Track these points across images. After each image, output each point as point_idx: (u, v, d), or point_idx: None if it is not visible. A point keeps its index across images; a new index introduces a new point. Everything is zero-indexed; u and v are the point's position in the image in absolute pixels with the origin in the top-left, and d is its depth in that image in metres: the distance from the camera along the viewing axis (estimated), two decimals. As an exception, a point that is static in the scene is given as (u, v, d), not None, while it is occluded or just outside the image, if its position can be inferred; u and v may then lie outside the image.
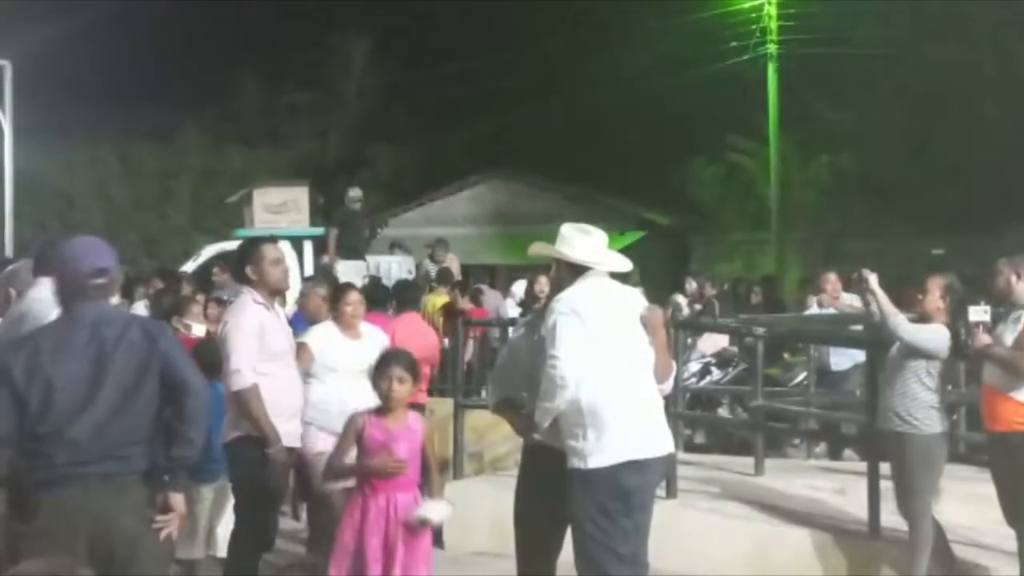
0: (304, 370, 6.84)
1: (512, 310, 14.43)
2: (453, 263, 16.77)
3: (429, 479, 5.72)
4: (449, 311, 13.86)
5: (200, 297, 9.89)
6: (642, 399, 5.36)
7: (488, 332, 13.61)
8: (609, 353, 5.29)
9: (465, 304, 14.10)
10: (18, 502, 4.72)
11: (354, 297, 7.41)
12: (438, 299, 14.62)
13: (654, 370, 5.43)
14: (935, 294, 6.82)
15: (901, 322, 6.83)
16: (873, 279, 7.04)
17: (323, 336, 7.23)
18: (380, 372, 5.56)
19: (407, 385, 5.56)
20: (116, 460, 4.27)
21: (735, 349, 12.70)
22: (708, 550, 7.39)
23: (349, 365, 6.95)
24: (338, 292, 7.56)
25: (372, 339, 7.28)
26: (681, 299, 15.18)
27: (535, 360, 5.39)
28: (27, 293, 5.30)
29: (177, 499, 4.39)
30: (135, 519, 4.29)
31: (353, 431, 5.54)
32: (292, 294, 9.51)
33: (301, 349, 6.92)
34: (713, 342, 13.03)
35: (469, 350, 12.79)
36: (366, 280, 13.43)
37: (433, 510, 5.51)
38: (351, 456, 5.60)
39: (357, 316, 7.36)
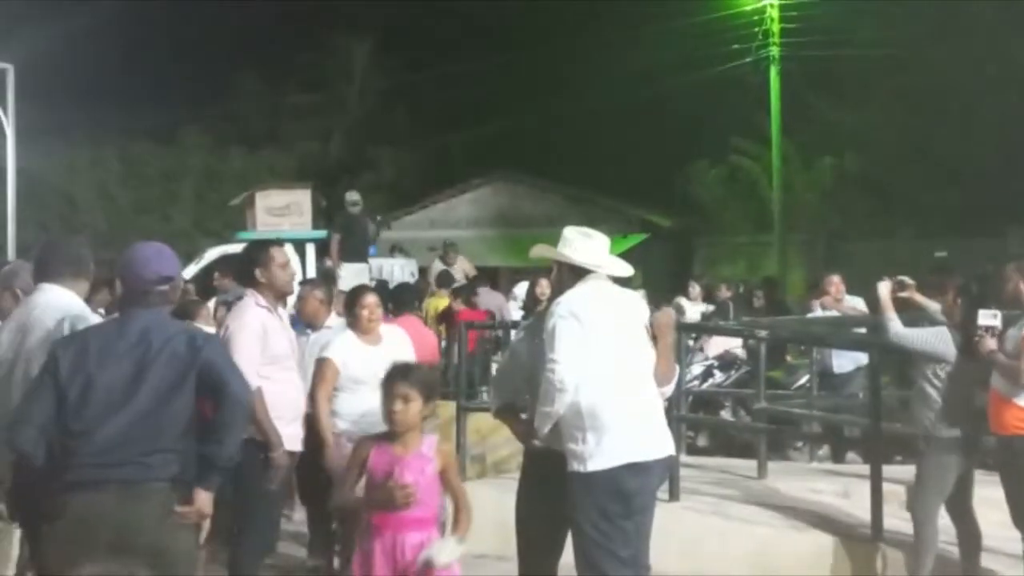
0: (332, 385, 6.74)
1: (515, 312, 14.44)
2: (465, 265, 16.94)
3: (457, 516, 4.88)
4: (445, 314, 13.92)
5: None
6: (642, 402, 5.35)
7: (481, 333, 13.57)
8: (609, 356, 5.28)
9: (458, 306, 14.11)
10: (27, 503, 4.73)
11: (370, 300, 7.03)
12: (439, 302, 14.64)
13: (656, 374, 5.42)
14: (949, 296, 6.84)
15: (892, 325, 6.88)
16: (883, 287, 7.06)
17: (343, 347, 6.89)
18: (384, 390, 4.82)
19: (415, 404, 4.74)
20: (138, 466, 4.27)
21: (742, 352, 12.69)
22: (710, 552, 7.37)
23: (374, 374, 6.76)
24: (353, 296, 7.22)
25: (393, 342, 6.97)
26: (684, 302, 15.19)
27: (536, 363, 5.38)
28: (29, 299, 5.27)
29: (201, 496, 4.36)
30: (156, 527, 4.27)
31: (358, 460, 4.82)
32: (291, 297, 9.50)
33: (325, 366, 6.80)
34: (720, 344, 13.01)
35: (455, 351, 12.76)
36: (373, 283, 13.47)
37: (442, 550, 4.65)
38: (361, 487, 4.95)
39: (375, 320, 7.00)
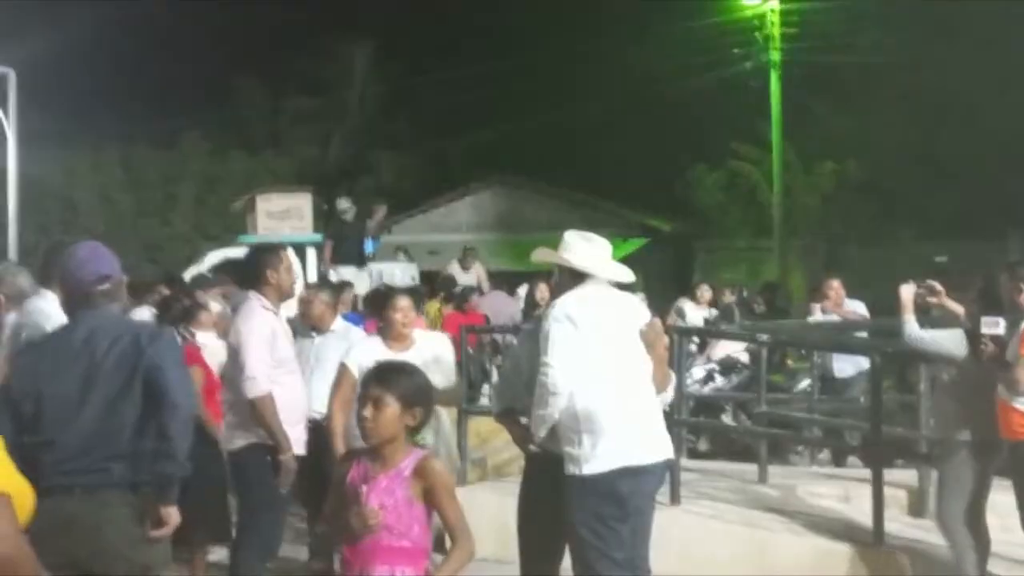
0: (348, 393, 6.46)
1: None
2: (480, 271, 17.04)
3: (450, 550, 4.08)
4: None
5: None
6: (639, 405, 5.35)
7: (479, 337, 13.54)
8: (605, 359, 5.29)
9: (447, 310, 14.09)
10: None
11: (404, 303, 6.67)
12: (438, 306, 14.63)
13: (652, 381, 5.42)
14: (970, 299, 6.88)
15: (909, 327, 6.88)
16: (906, 289, 7.05)
17: (362, 354, 6.49)
18: (358, 394, 4.20)
19: (390, 411, 3.94)
20: (98, 473, 4.29)
21: (744, 356, 12.67)
22: (711, 556, 7.38)
23: None
24: (385, 299, 6.98)
25: (425, 347, 6.63)
26: (687, 306, 15.15)
27: (534, 367, 5.37)
28: (25, 304, 5.27)
29: (168, 512, 4.37)
30: (118, 534, 4.29)
31: (339, 477, 4.11)
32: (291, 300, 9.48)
33: (342, 372, 6.63)
34: (725, 348, 13.00)
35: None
36: (376, 286, 13.49)
37: None
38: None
39: (408, 324, 6.68)
